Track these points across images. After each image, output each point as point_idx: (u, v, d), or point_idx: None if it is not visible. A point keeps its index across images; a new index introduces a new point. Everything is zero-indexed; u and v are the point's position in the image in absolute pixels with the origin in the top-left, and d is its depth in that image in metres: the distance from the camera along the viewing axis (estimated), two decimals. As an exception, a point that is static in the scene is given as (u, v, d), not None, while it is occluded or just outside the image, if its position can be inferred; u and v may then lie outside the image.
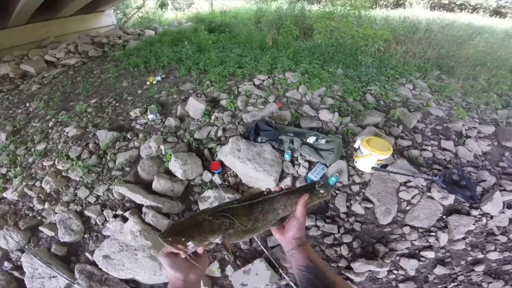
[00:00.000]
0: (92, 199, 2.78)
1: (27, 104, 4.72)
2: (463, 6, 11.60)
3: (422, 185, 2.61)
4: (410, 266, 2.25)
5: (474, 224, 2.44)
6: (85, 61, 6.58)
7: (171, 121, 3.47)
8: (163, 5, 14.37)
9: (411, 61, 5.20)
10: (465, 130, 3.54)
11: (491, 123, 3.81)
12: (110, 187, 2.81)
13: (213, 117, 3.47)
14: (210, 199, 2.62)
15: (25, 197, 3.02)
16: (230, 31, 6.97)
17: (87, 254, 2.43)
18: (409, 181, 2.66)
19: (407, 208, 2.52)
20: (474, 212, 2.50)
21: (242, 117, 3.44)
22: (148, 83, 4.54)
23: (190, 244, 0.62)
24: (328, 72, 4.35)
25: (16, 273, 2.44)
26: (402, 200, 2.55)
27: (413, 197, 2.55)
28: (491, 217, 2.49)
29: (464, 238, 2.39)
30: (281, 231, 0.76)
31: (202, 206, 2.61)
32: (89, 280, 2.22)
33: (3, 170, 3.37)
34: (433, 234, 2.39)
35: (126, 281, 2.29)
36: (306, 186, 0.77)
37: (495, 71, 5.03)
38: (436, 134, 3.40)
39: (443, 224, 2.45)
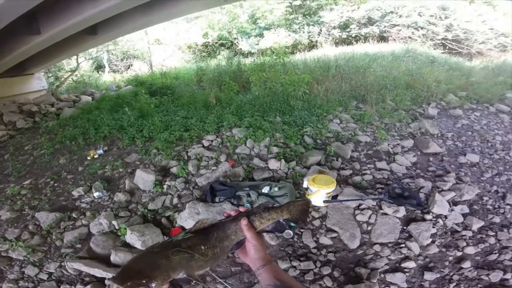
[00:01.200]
0: (44, 276, 2.68)
1: None
2: (357, 37, 13.96)
3: (373, 205, 2.87)
4: (399, 279, 2.34)
5: (433, 227, 2.69)
6: (13, 134, 5.94)
7: (120, 197, 3.38)
8: (99, 68, 14.16)
9: (332, 97, 5.85)
10: (391, 148, 4.08)
11: (409, 136, 4.45)
12: (62, 263, 2.73)
13: (165, 186, 3.49)
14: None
15: None
16: (173, 93, 7.11)
17: None
18: (360, 204, 2.91)
19: (369, 228, 2.76)
20: (428, 217, 2.81)
21: (196, 181, 3.53)
22: (89, 158, 4.33)
23: (153, 284, 0.60)
24: (269, 122, 4.74)
25: None
26: (361, 222, 2.81)
27: (369, 218, 2.82)
28: (445, 217, 2.80)
29: (433, 242, 2.63)
30: (244, 253, 0.79)
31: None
32: None
33: None
34: (403, 245, 2.62)
35: None
36: (253, 209, 0.80)
37: (395, 90, 5.77)
38: (370, 158, 3.85)
39: (407, 235, 2.70)
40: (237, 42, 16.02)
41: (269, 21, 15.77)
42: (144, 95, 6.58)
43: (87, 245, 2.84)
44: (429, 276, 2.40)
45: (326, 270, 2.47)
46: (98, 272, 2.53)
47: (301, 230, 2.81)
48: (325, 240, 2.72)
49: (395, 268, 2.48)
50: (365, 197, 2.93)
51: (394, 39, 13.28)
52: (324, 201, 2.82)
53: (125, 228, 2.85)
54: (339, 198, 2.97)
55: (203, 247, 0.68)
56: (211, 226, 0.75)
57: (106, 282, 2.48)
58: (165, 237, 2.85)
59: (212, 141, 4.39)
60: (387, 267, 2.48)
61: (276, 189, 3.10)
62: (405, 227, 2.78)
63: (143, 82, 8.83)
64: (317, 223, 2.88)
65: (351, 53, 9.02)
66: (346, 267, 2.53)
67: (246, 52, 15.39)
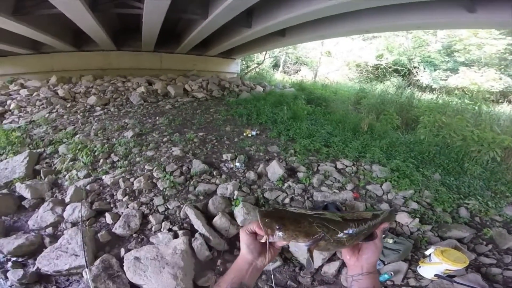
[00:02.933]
0: (161, 209, 3.15)
1: (157, 118, 6.15)
2: None
3: None
4: None
5: None
6: (208, 98, 8.24)
7: (251, 175, 3.92)
8: (275, 66, 16.80)
9: None
10: None
11: None
12: (181, 205, 3.18)
13: (286, 185, 3.72)
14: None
15: (115, 185, 3.54)
16: (326, 107, 7.33)
17: (122, 249, 2.65)
18: None
19: None
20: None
21: (313, 194, 3.55)
22: (244, 134, 5.29)
23: (279, 235, 0.62)
24: (423, 175, 4.07)
25: (47, 239, 2.74)
26: None
27: None
28: None
29: None
30: (354, 253, 0.73)
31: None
32: (103, 271, 2.36)
33: (115, 158, 4.18)
34: None
35: (134, 286, 2.39)
36: (379, 212, 0.78)
37: None
38: None
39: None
40: (416, 72, 13.93)
41: (473, 57, 12.51)
42: (302, 101, 7.18)
43: (207, 200, 3.31)
44: None
45: None
46: (198, 224, 2.85)
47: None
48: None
49: None
50: None
51: None
52: (436, 275, 2.55)
53: (240, 201, 3.28)
54: (456, 279, 2.59)
55: (344, 237, 0.67)
56: (364, 219, 0.71)
57: (196, 235, 2.79)
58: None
59: (346, 166, 4.21)
60: None
61: (391, 241, 2.83)
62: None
63: (304, 89, 9.62)
64: (405, 291, 2.46)
65: None
66: None
67: (424, 85, 13.14)
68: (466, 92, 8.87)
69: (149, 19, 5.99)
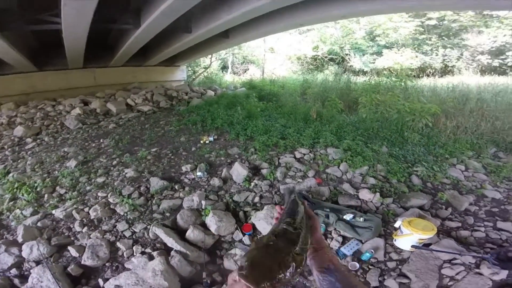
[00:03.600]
0: (128, 233, 3.05)
1: (101, 140, 5.61)
2: (517, 67, 10.92)
3: (470, 262, 2.53)
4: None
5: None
6: (156, 111, 7.76)
7: (216, 181, 3.85)
8: (224, 68, 16.75)
9: (462, 137, 4.90)
10: (530, 210, 3.17)
11: None
12: (148, 226, 3.07)
13: (252, 184, 3.75)
14: (236, 256, 2.75)
15: (70, 218, 3.34)
16: (277, 101, 7.57)
17: (100, 280, 2.55)
18: (454, 258, 2.59)
19: (450, 283, 2.38)
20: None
21: (280, 188, 3.64)
22: (202, 142, 5.15)
23: (278, 283, 0.57)
24: (372, 150, 4.38)
25: (16, 281, 2.60)
26: (444, 276, 2.46)
27: (457, 274, 2.46)
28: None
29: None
30: None
31: (227, 262, 2.72)
32: (88, 304, 2.26)
33: (62, 191, 3.88)
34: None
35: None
36: (294, 202, 0.87)
37: None
38: (491, 216, 3.22)
39: (492, 298, 2.19)
40: (349, 59, 15.31)
41: (391, 40, 14.30)
42: (254, 99, 7.32)
43: (174, 216, 3.20)
44: None
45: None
46: (171, 242, 2.79)
47: (370, 267, 2.61)
48: (391, 283, 2.44)
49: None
50: (464, 253, 2.63)
51: None
52: (413, 246, 2.65)
53: (209, 210, 3.20)
54: (432, 247, 2.71)
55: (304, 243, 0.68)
56: (301, 218, 0.77)
57: (172, 253, 2.69)
58: (236, 230, 3.03)
59: (304, 154, 4.40)
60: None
61: (361, 219, 2.93)
62: (494, 291, 2.27)
63: (255, 87, 9.81)
64: (391, 264, 2.62)
65: (503, 86, 7.21)
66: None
67: (357, 70, 14.53)
68: (392, 71, 10.09)
69: (70, 33, 5.38)
